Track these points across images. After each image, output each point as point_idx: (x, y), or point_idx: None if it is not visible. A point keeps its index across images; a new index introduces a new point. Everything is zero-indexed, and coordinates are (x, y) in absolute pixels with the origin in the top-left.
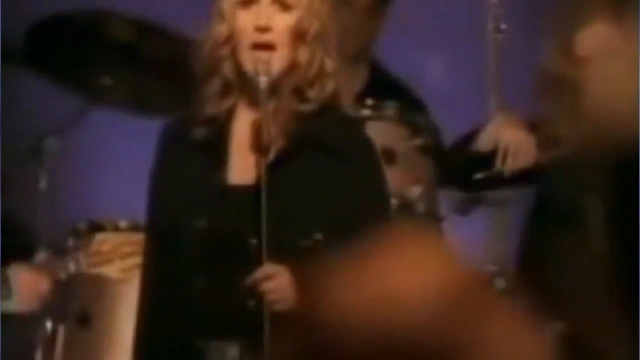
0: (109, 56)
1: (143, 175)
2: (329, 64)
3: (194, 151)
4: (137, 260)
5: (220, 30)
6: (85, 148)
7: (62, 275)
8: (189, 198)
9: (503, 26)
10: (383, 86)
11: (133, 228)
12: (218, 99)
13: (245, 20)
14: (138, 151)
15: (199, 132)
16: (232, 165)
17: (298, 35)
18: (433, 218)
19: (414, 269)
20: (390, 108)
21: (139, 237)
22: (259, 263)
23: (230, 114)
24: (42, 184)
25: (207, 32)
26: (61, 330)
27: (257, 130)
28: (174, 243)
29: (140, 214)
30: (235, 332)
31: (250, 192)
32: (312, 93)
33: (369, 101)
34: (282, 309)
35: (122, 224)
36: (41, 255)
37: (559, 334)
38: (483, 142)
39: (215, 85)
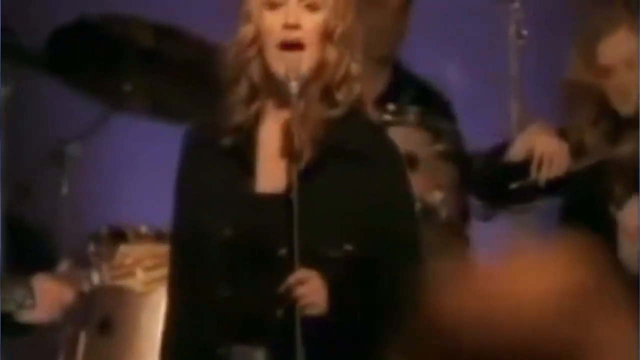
0: (130, 62)
1: (164, 181)
2: (355, 67)
3: (220, 158)
4: (161, 273)
5: (247, 31)
6: (107, 154)
7: (85, 287)
8: (216, 206)
9: (524, 32)
10: (405, 88)
11: (154, 234)
12: (245, 104)
13: (273, 20)
14: (159, 157)
15: (226, 140)
16: (260, 173)
17: (326, 36)
18: (455, 224)
19: (535, 273)
20: (412, 113)
21: (163, 249)
22: (289, 272)
23: (257, 119)
24: (64, 190)
25: (233, 37)
26: (82, 338)
27: (287, 136)
28: (201, 251)
29: (162, 220)
30: (262, 339)
31: (280, 201)
32: (340, 96)
33: (391, 106)
34: (313, 313)
35: (143, 229)
36: (64, 266)
37: None
38: (515, 153)
39: (242, 89)
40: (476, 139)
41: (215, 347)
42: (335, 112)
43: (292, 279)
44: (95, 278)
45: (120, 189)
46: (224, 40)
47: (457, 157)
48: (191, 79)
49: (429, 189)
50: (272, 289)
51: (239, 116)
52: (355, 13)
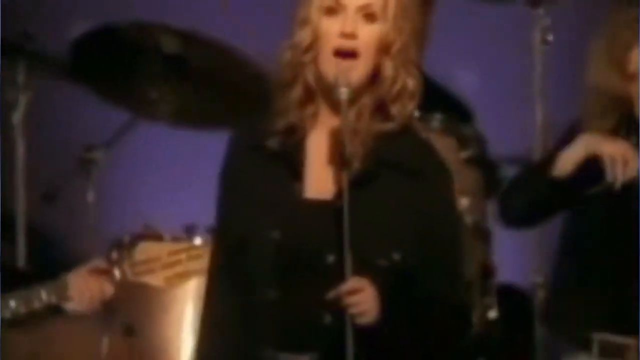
0: (155, 69)
1: (190, 187)
2: (411, 82)
3: (268, 161)
4: (181, 269)
5: (304, 36)
6: (132, 160)
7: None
8: (264, 208)
9: (550, 38)
10: (428, 95)
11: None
12: (299, 107)
13: (330, 26)
14: (184, 163)
15: (275, 142)
16: (309, 178)
17: (382, 49)
18: (481, 230)
19: None
20: (437, 120)
21: (183, 246)
22: (337, 279)
23: (308, 123)
24: (90, 196)
25: (289, 40)
26: (105, 339)
27: (337, 142)
28: (246, 252)
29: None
30: (308, 345)
31: (328, 208)
32: (394, 110)
33: (415, 113)
34: (365, 322)
35: (167, 236)
36: (97, 261)
37: None
38: (565, 165)
39: (296, 92)
40: (501, 144)
41: (260, 351)
42: (389, 126)
43: (345, 286)
44: (117, 274)
45: (146, 195)
46: (248, 47)
47: (482, 162)
48: (217, 87)
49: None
50: (319, 295)
51: (291, 118)
52: (413, 28)
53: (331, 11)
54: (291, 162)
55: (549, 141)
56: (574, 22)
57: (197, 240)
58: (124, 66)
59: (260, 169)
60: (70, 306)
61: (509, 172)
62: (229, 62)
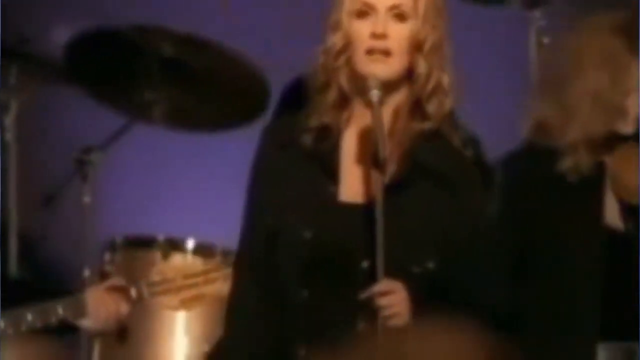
0: (152, 71)
1: (187, 190)
2: (446, 79)
3: (302, 159)
4: (197, 292)
5: (336, 40)
6: (129, 162)
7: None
8: (297, 207)
9: (546, 40)
10: None
11: (170, 244)
12: (333, 110)
13: (361, 28)
14: (181, 165)
15: (308, 139)
16: (343, 180)
17: (415, 46)
18: None
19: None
20: None
21: (200, 269)
22: (369, 284)
23: (344, 123)
24: (87, 198)
25: (321, 46)
26: (97, 345)
27: (371, 144)
28: (276, 248)
29: (181, 230)
30: (340, 350)
31: (362, 212)
32: (430, 108)
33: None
34: (397, 324)
35: (161, 237)
36: (115, 280)
37: None
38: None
39: (331, 95)
40: (496, 146)
41: (292, 349)
42: (426, 125)
43: (377, 288)
44: (134, 293)
45: (142, 197)
46: (244, 49)
47: (480, 164)
48: (214, 89)
49: None
50: (352, 299)
51: (325, 119)
52: (445, 23)
53: (361, 14)
54: (326, 163)
55: None
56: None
57: (214, 260)
58: (120, 68)
59: (294, 166)
60: (85, 323)
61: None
62: (226, 64)
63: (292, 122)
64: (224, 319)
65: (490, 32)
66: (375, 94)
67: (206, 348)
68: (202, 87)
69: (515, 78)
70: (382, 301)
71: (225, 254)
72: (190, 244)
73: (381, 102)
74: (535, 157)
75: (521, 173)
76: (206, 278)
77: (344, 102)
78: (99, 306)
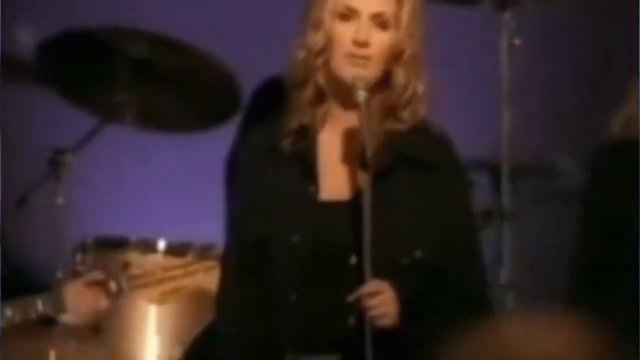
0: (123, 72)
1: (160, 190)
2: (421, 88)
3: (283, 163)
4: (176, 284)
5: (318, 39)
6: (101, 164)
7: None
8: (280, 212)
9: (517, 41)
10: None
11: (143, 244)
12: (310, 107)
13: (343, 32)
14: (152, 167)
15: (286, 142)
16: (323, 179)
17: (394, 55)
18: None
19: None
20: None
21: (177, 262)
22: (359, 280)
23: (320, 124)
24: (60, 199)
25: (300, 40)
26: (72, 341)
27: (354, 143)
28: (264, 256)
29: (152, 230)
30: (332, 348)
31: (346, 209)
32: (405, 114)
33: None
34: (385, 324)
35: (132, 238)
36: (94, 274)
37: None
38: None
39: (308, 93)
40: (467, 148)
41: (282, 353)
42: (399, 127)
43: (364, 289)
44: (113, 287)
45: (115, 198)
46: (216, 50)
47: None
48: (185, 90)
49: None
50: (343, 296)
51: (304, 119)
52: (423, 31)
53: (344, 17)
54: (304, 164)
55: (515, 145)
56: (540, 25)
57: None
58: (91, 69)
59: (275, 171)
60: (65, 318)
61: (475, 176)
62: (198, 65)
63: (271, 129)
64: (215, 327)
65: (460, 33)
66: (361, 95)
67: (179, 350)
68: (173, 87)
69: (485, 80)
70: (371, 302)
71: (199, 253)
72: (161, 244)
73: (367, 102)
74: (628, 151)
75: (619, 166)
76: (186, 271)
77: (320, 99)
78: (79, 300)
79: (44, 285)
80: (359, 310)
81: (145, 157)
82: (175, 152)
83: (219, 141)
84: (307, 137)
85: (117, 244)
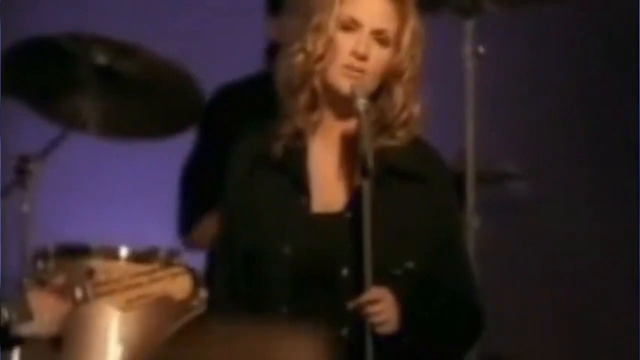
0: (86, 79)
1: (125, 198)
2: (417, 109)
3: (273, 172)
4: (142, 291)
5: (319, 45)
6: (66, 172)
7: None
8: (272, 223)
9: (481, 49)
10: None
11: (105, 252)
12: (305, 112)
13: (344, 42)
14: (116, 175)
15: (279, 148)
16: (315, 190)
17: (394, 75)
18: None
19: None
20: None
21: (143, 269)
22: (351, 292)
23: (311, 130)
24: (25, 207)
25: (298, 45)
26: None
27: (351, 153)
28: (256, 267)
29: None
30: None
31: (338, 220)
32: (400, 133)
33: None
34: (386, 331)
35: (94, 245)
36: (59, 279)
37: None
38: None
39: (304, 97)
40: None
41: None
42: (392, 143)
43: (365, 296)
44: (79, 294)
45: (80, 206)
46: (179, 58)
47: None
48: (149, 97)
49: None
50: (335, 309)
51: (298, 123)
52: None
53: (347, 28)
54: (296, 174)
55: (481, 156)
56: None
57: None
58: (54, 77)
59: (266, 180)
60: (28, 329)
61: None
62: (160, 72)
63: (262, 135)
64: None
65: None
66: (362, 103)
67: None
68: (136, 95)
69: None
70: (372, 309)
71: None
72: (124, 251)
73: (367, 111)
74: None
75: None
76: (152, 277)
77: (315, 105)
78: (44, 308)
79: (10, 293)
80: (358, 318)
81: (110, 165)
82: (138, 159)
83: (181, 148)
84: (298, 143)
85: (79, 251)
